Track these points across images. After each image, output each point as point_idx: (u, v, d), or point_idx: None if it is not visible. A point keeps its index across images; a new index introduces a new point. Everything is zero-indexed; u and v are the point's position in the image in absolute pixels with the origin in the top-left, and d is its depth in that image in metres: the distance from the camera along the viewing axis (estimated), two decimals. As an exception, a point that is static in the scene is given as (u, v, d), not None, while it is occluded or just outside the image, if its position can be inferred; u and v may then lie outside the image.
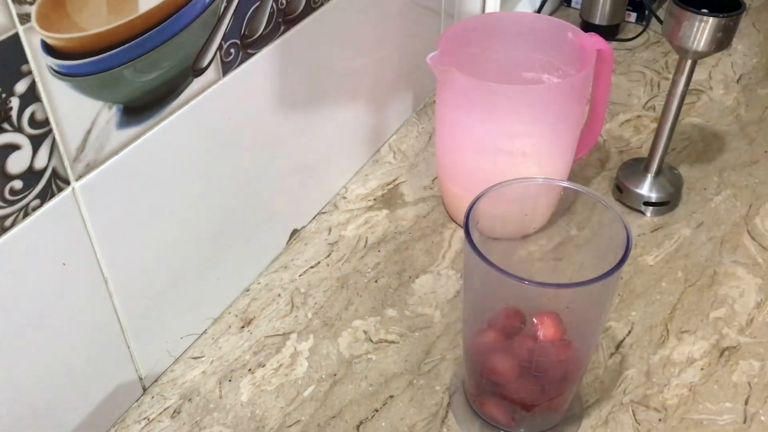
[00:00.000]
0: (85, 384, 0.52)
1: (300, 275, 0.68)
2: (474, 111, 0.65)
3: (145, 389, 0.58)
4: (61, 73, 0.42)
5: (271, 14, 0.58)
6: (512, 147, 0.65)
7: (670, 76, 0.69)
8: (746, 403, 0.56)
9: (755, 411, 0.56)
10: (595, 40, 0.64)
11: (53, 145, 0.43)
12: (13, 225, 0.43)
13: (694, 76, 0.69)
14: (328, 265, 0.69)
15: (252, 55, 0.57)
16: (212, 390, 0.58)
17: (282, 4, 0.59)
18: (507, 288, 0.47)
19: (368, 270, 0.68)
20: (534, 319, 0.48)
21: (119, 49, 0.45)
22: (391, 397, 0.58)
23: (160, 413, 0.57)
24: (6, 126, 0.40)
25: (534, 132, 0.65)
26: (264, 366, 0.60)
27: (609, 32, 1.03)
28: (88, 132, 0.45)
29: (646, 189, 0.73)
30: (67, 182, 0.45)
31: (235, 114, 0.58)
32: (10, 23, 0.39)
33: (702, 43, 0.64)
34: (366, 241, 0.71)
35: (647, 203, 0.74)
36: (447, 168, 0.72)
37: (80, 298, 0.49)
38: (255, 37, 0.57)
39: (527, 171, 0.57)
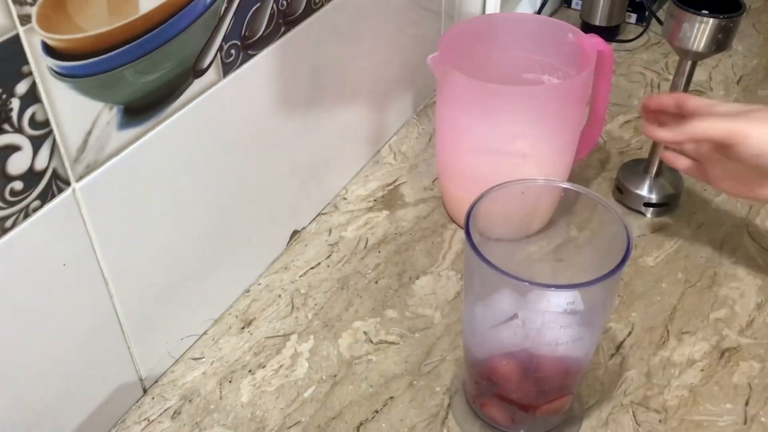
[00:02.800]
0: (85, 385, 0.52)
1: (300, 276, 0.68)
2: (474, 112, 0.65)
3: (145, 390, 0.58)
4: (62, 74, 0.42)
5: (271, 15, 0.58)
6: (512, 148, 0.65)
7: (671, 77, 0.69)
8: (746, 404, 0.56)
9: (755, 412, 0.56)
10: (595, 42, 0.64)
11: (54, 146, 0.43)
12: (13, 226, 0.43)
13: (694, 78, 0.69)
14: (328, 266, 0.69)
15: (252, 56, 0.57)
16: (212, 391, 0.58)
17: (282, 5, 0.59)
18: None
19: (368, 271, 0.68)
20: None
21: (120, 50, 0.45)
22: (392, 398, 0.58)
23: (161, 414, 0.57)
24: (6, 127, 0.40)
25: (533, 133, 0.65)
26: (264, 367, 0.60)
27: (609, 33, 1.03)
28: (89, 133, 0.45)
29: (647, 190, 0.73)
30: (68, 183, 0.45)
31: (236, 115, 0.58)
32: (10, 24, 0.39)
33: (702, 44, 0.64)
34: (366, 242, 0.71)
35: (647, 204, 0.74)
36: (447, 169, 0.72)
37: (81, 299, 0.49)
38: (255, 38, 0.57)
39: (527, 172, 0.57)
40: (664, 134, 0.57)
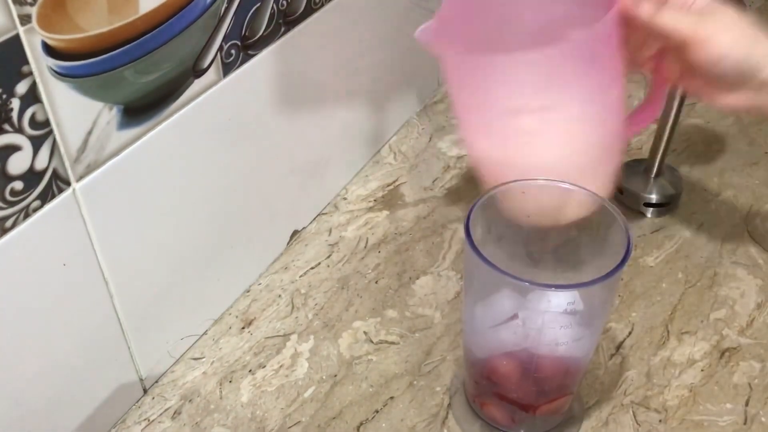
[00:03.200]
0: (85, 385, 0.52)
1: (300, 276, 0.68)
2: (468, 88, 0.54)
3: (145, 390, 0.58)
4: (62, 74, 0.42)
5: (271, 15, 0.58)
6: (517, 124, 0.54)
7: (671, 77, 0.68)
8: (747, 404, 0.56)
9: (756, 412, 0.56)
10: None
11: (54, 146, 0.43)
12: (13, 226, 0.43)
13: (695, 77, 0.69)
14: (328, 266, 0.69)
15: (253, 56, 0.57)
16: (213, 391, 0.58)
17: (283, 5, 0.59)
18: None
19: (368, 271, 0.68)
20: None
21: (120, 50, 0.45)
22: (392, 398, 0.58)
23: (161, 414, 0.57)
24: (6, 127, 0.40)
25: (544, 104, 0.53)
26: (264, 367, 0.60)
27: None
28: (89, 133, 0.45)
29: (647, 190, 0.73)
30: (68, 183, 0.45)
31: (236, 115, 0.58)
32: (10, 24, 0.39)
33: (702, 44, 0.64)
34: (366, 242, 0.71)
35: (648, 204, 0.74)
36: (470, 128, 0.59)
37: (81, 299, 0.49)
38: (256, 38, 0.57)
39: (540, 151, 0.51)
40: (642, 9, 0.51)
